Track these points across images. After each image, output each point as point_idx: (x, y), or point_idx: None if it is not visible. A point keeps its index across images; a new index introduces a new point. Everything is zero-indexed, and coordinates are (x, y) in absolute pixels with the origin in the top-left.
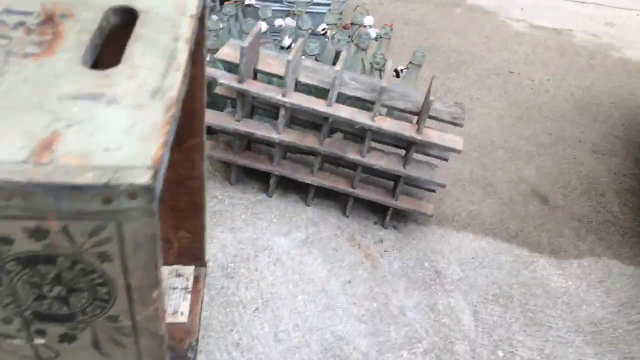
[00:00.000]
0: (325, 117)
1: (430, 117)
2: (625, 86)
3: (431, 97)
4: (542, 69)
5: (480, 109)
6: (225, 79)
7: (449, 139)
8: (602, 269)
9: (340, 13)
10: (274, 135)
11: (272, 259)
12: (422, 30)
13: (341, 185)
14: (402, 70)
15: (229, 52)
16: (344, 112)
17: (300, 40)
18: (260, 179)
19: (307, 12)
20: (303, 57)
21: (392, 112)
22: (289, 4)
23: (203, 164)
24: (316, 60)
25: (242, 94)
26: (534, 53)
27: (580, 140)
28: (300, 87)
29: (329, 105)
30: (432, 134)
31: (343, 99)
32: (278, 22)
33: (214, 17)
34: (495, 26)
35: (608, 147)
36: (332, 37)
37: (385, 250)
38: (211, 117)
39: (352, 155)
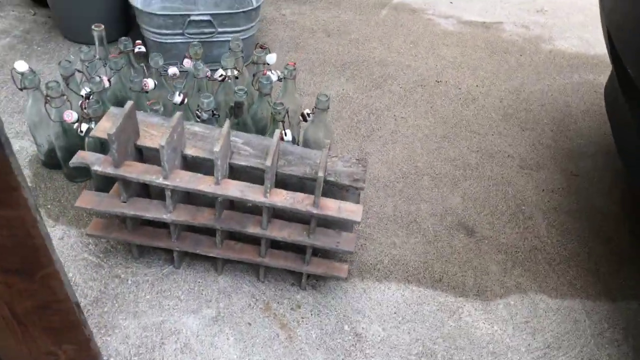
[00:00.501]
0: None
1: (328, 183)
2: (555, 84)
3: (328, 163)
4: (470, 74)
5: (404, 130)
6: (99, 164)
7: (348, 209)
8: (528, 307)
9: (242, 51)
10: (165, 216)
11: (180, 345)
12: (345, 42)
13: (249, 255)
14: (309, 114)
15: (107, 125)
16: (233, 189)
17: (176, 115)
18: (166, 249)
19: (209, 42)
20: (188, 125)
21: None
22: (190, 37)
23: (65, 288)
24: (213, 115)
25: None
26: (463, 55)
27: (508, 155)
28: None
29: (217, 183)
30: (330, 206)
31: (237, 170)
32: (171, 70)
33: (97, 78)
34: (422, 27)
35: (536, 159)
36: (235, 82)
37: (302, 317)
38: (93, 201)
39: (253, 229)
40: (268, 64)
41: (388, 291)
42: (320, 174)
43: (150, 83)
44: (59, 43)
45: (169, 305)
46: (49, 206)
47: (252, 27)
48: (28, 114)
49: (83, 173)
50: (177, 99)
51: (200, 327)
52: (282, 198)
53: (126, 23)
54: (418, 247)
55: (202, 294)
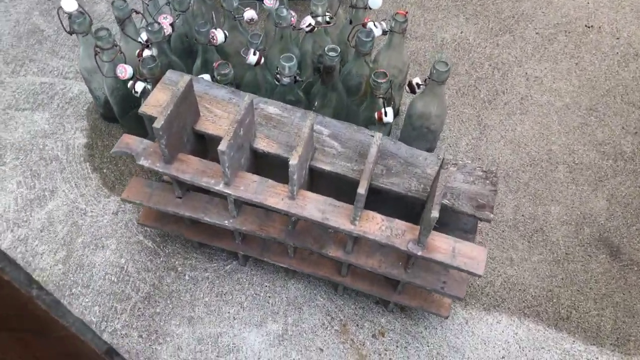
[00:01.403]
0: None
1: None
2: None
3: (442, 174)
4: (635, 18)
5: (538, 96)
6: (146, 157)
7: (466, 254)
8: None
9: None
10: (227, 222)
11: None
12: None
13: (326, 272)
14: (419, 85)
15: (161, 97)
16: (312, 208)
17: (245, 102)
18: None
19: None
20: (262, 105)
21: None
22: None
23: (89, 343)
24: (295, 81)
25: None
26: None
27: None
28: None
29: (291, 197)
30: (441, 247)
31: (319, 173)
32: (248, 14)
33: (155, 24)
34: None
35: None
36: (326, 32)
37: (385, 350)
38: (142, 194)
39: (334, 251)
40: (370, 9)
41: (497, 326)
42: (435, 213)
43: (219, 35)
44: None
45: (229, 313)
46: (104, 170)
47: None
48: (81, 62)
49: (146, 132)
50: (252, 58)
51: (263, 346)
52: (376, 227)
53: None
54: (542, 268)
55: (268, 302)
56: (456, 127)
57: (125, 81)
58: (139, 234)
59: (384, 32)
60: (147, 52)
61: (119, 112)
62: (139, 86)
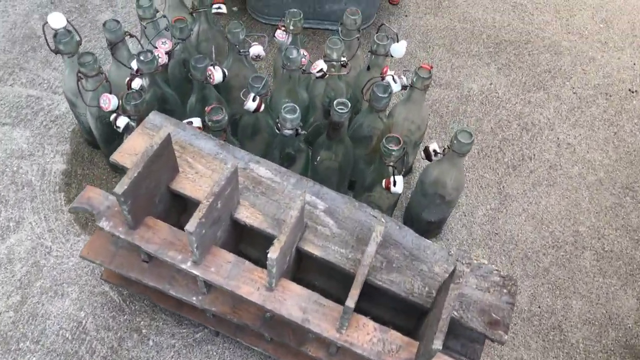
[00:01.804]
0: None
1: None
2: None
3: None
4: None
5: (569, 166)
6: (108, 219)
7: None
8: None
9: (358, 29)
10: (194, 299)
11: None
12: (507, 7)
13: None
14: (436, 153)
15: (136, 146)
16: (292, 305)
17: (226, 172)
18: None
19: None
20: (252, 164)
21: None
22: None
23: None
24: (297, 134)
25: None
26: None
27: None
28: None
29: (269, 288)
30: None
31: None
32: (255, 50)
33: (148, 53)
34: None
35: None
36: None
37: None
38: (104, 253)
39: (315, 351)
40: (392, 57)
41: None
42: (437, 344)
43: (217, 75)
44: None
45: None
46: None
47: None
48: (65, 83)
49: None
50: (251, 104)
51: None
52: (366, 338)
53: None
54: None
55: None
56: (474, 193)
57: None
58: (105, 284)
59: (404, 87)
60: (137, 82)
61: (102, 140)
62: (122, 121)
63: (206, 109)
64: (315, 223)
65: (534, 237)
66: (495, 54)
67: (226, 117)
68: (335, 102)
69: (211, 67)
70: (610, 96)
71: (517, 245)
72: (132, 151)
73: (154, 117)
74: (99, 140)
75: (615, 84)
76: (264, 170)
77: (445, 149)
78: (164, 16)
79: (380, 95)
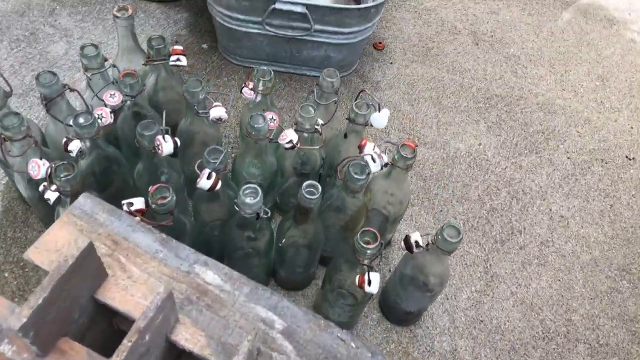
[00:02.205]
0: None
1: None
2: None
3: None
4: None
5: (561, 242)
6: (11, 343)
7: None
8: None
9: (336, 92)
10: None
11: None
12: (499, 58)
13: None
14: (418, 245)
15: (60, 237)
16: None
17: (159, 297)
18: None
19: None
20: (197, 268)
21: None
22: (271, 29)
23: None
24: (258, 217)
25: None
26: None
27: None
28: None
29: None
30: None
31: None
32: (215, 112)
33: (88, 115)
34: (620, 52)
35: None
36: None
37: None
38: None
39: None
40: (370, 125)
41: None
42: None
43: (165, 147)
44: None
45: None
46: (6, 274)
47: (366, 28)
48: None
49: None
50: (205, 182)
51: None
52: None
53: None
54: None
55: None
56: (457, 272)
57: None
58: None
59: (384, 165)
60: (76, 144)
61: (34, 204)
62: (52, 195)
63: (150, 189)
64: (270, 349)
65: (522, 325)
66: (485, 110)
67: (174, 199)
68: (304, 186)
69: (160, 137)
70: (606, 163)
71: (504, 336)
72: (52, 246)
73: (85, 201)
74: (30, 204)
75: (612, 150)
76: (211, 275)
77: (429, 243)
78: (114, 66)
79: (356, 176)
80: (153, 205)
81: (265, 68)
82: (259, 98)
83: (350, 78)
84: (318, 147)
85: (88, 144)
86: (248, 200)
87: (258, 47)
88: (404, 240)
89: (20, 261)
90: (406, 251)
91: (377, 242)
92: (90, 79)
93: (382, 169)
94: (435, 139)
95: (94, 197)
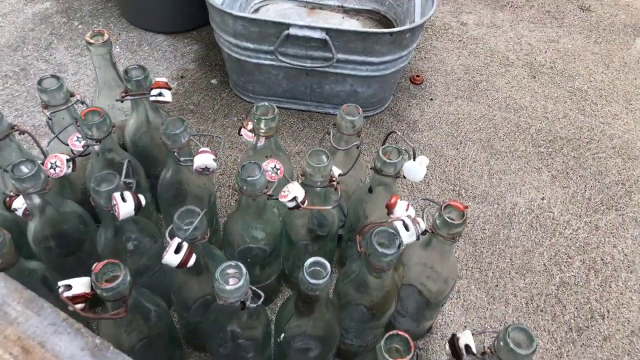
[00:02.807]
0: None
1: None
2: None
3: None
4: None
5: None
6: None
7: None
8: None
9: (358, 134)
10: None
11: None
12: (562, 93)
13: None
14: (469, 350)
15: None
16: None
17: None
18: None
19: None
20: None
21: None
22: (285, 60)
23: None
24: (243, 307)
25: None
26: None
27: None
28: None
29: None
30: None
31: None
32: (200, 161)
33: (35, 163)
34: None
35: None
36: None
37: None
38: None
39: None
40: (403, 177)
41: None
42: None
43: (123, 208)
44: (113, 22)
45: None
46: None
47: (400, 58)
48: None
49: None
50: (171, 258)
51: None
52: None
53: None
54: None
55: None
56: None
57: None
58: None
59: (422, 234)
60: (20, 202)
61: None
62: None
63: (94, 266)
64: None
65: None
66: (548, 155)
67: (127, 279)
68: (306, 265)
69: (116, 196)
70: None
71: None
72: None
73: (5, 287)
74: None
75: None
76: None
77: (485, 352)
78: (82, 102)
79: (381, 250)
80: (98, 291)
81: (267, 104)
82: (261, 142)
83: (382, 117)
84: (331, 206)
85: (36, 201)
86: (228, 286)
87: (272, 81)
88: (450, 342)
89: None
90: (451, 357)
91: (411, 354)
92: (50, 119)
93: (418, 238)
94: (486, 191)
95: (9, 280)
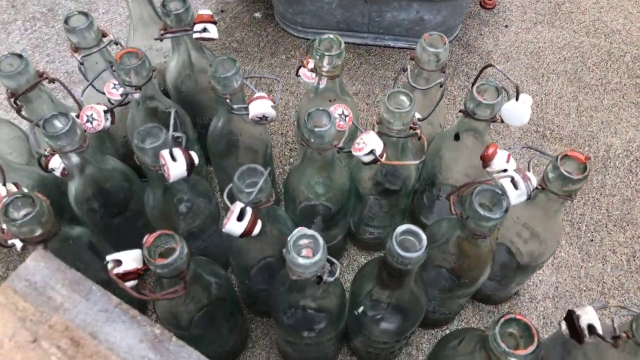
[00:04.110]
0: None
1: None
2: None
3: None
4: None
5: None
6: None
7: None
8: None
9: (442, 85)
10: None
11: None
12: None
13: None
14: (593, 330)
15: None
16: None
17: None
18: None
19: None
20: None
21: None
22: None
23: None
24: (320, 281)
25: None
26: None
27: None
28: None
29: None
30: None
31: None
32: (257, 108)
33: (66, 119)
34: None
35: None
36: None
37: None
38: None
39: None
40: (500, 121)
41: None
42: None
43: (174, 168)
44: None
45: None
46: None
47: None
48: None
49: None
50: (235, 227)
51: None
52: None
53: None
54: None
55: None
56: None
57: None
58: None
59: (531, 195)
60: (57, 161)
61: None
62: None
63: (145, 239)
64: None
65: None
66: None
67: (184, 255)
68: (397, 233)
69: (165, 153)
70: None
71: None
72: None
73: (35, 265)
74: None
75: None
76: None
77: (617, 335)
78: (116, 42)
79: (484, 214)
80: (152, 267)
81: (332, 36)
82: (323, 83)
83: (451, 48)
84: (418, 161)
85: (74, 159)
86: (303, 259)
87: (325, 11)
88: (566, 319)
89: None
90: (568, 336)
91: (534, 344)
92: (82, 64)
93: (529, 198)
94: (575, 131)
95: (51, 257)
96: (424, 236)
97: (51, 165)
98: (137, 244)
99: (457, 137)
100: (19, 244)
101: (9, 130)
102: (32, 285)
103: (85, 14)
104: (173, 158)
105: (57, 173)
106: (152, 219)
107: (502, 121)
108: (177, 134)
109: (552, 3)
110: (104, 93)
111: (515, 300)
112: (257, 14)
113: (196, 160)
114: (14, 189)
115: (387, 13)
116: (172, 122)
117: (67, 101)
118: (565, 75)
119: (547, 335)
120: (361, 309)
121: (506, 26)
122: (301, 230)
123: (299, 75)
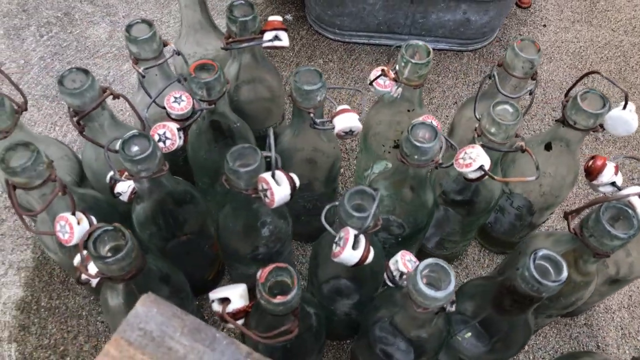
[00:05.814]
0: None
1: None
2: None
3: None
4: None
5: None
6: None
7: None
8: None
9: (531, 92)
10: None
11: None
12: None
13: None
14: None
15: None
16: None
17: None
18: None
19: None
20: None
21: None
22: None
23: None
24: (444, 309)
25: None
26: None
27: None
28: None
29: None
30: None
31: None
32: (343, 123)
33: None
34: None
35: None
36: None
37: None
38: None
39: None
40: (602, 130)
41: None
42: None
43: (279, 191)
44: None
45: None
46: None
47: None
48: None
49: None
50: (350, 255)
51: None
52: None
53: None
54: None
55: None
56: None
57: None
58: None
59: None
60: (126, 186)
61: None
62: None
63: (260, 273)
64: None
65: None
66: None
67: (299, 291)
68: (536, 256)
69: (267, 178)
70: None
71: None
72: None
73: (146, 312)
74: (67, 270)
75: None
76: None
77: None
78: (178, 52)
79: (614, 233)
80: (263, 302)
81: (420, 43)
82: (398, 93)
83: (491, 49)
84: (534, 177)
85: (146, 184)
86: (431, 291)
87: (367, 12)
88: None
89: (59, 344)
90: None
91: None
92: (143, 76)
93: None
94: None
95: (162, 303)
96: (563, 263)
97: (118, 189)
98: (202, 267)
99: (548, 147)
100: (94, 281)
101: (56, 149)
102: (148, 335)
103: (149, 23)
104: (277, 182)
105: (124, 198)
106: (225, 241)
107: (603, 129)
108: (266, 154)
109: (587, 1)
110: (164, 107)
111: (591, 311)
112: (288, 16)
113: (297, 182)
114: (82, 217)
115: (432, 14)
116: (271, 141)
117: (122, 117)
118: (610, 76)
119: (628, 349)
120: (469, 334)
121: (544, 25)
122: (430, 260)
123: (372, 85)
